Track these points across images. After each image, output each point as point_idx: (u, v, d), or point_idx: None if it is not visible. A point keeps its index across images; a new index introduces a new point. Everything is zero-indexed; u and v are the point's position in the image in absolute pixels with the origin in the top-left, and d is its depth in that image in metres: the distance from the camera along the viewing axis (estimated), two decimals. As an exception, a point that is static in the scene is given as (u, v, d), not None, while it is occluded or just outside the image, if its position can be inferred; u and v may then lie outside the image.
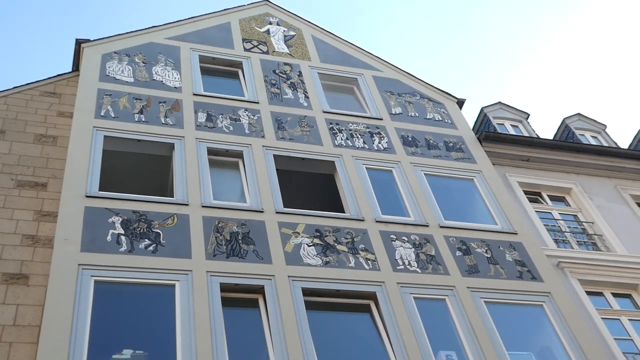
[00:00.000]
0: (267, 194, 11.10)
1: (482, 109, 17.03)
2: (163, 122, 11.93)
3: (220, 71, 14.17)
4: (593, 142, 17.14)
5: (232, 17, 15.60)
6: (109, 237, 9.45)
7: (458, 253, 11.24)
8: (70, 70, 13.35)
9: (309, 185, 12.74)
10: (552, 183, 14.30)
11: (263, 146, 12.11)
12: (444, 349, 9.70)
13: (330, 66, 15.14)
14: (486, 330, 10.02)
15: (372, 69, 15.53)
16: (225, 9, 15.68)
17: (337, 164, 12.37)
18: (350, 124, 13.45)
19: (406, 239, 11.16)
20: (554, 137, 17.47)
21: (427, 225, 11.57)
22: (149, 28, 14.26)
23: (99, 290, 8.81)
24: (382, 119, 13.92)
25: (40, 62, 42.50)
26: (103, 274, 8.99)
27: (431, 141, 13.77)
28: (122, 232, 9.60)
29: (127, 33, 13.90)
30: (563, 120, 17.77)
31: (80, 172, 10.37)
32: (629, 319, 11.65)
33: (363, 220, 11.24)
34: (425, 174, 12.84)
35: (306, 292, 9.73)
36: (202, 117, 12.30)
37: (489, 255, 11.39)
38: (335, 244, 10.63)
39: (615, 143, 17.09)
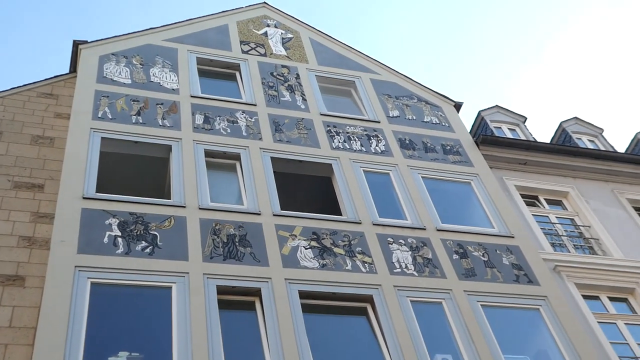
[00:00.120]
0: (264, 197, 11.09)
1: (479, 113, 17.04)
2: (160, 124, 11.92)
3: (218, 73, 14.16)
4: (590, 146, 17.17)
5: (229, 19, 15.60)
6: (105, 239, 9.43)
7: (455, 256, 11.24)
8: (67, 71, 13.33)
9: (306, 187, 12.75)
10: (549, 187, 14.33)
11: (260, 148, 12.11)
12: (441, 353, 9.70)
13: (327, 69, 15.14)
14: (483, 333, 10.03)
15: (370, 72, 15.54)
16: (223, 11, 15.68)
17: (335, 166, 12.37)
18: (348, 127, 13.45)
19: (403, 242, 11.16)
20: (551, 141, 17.50)
21: (424, 229, 11.58)
22: (147, 30, 14.25)
23: (95, 292, 8.79)
24: (379, 122, 13.93)
25: (37, 63, 42.48)
26: (99, 276, 8.97)
27: (428, 144, 13.79)
28: (119, 234, 9.58)
29: (124, 35, 13.89)
30: (560, 124, 17.80)
31: (77, 173, 10.35)
32: (625, 323, 11.66)
33: (360, 223, 11.23)
34: (422, 177, 12.84)
35: (303, 295, 9.72)
36: (199, 119, 12.29)
37: (485, 259, 11.40)
38: (332, 247, 10.63)
39: (612, 147, 17.13)
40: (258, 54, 14.81)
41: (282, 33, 15.82)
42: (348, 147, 12.92)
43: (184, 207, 10.37)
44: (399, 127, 13.99)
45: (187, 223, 10.11)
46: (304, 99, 13.83)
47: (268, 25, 15.92)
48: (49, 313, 8.27)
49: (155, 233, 9.79)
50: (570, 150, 15.19)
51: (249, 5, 16.30)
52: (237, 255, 9.90)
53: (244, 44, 14.96)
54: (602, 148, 17.02)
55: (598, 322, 11.33)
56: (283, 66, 14.66)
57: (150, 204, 10.30)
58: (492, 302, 10.69)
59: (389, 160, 12.97)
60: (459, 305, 10.36)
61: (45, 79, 12.84)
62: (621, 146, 21.13)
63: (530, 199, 13.99)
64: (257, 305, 9.48)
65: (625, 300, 12.24)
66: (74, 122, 11.34)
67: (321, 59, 15.39)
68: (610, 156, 15.42)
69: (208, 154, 11.67)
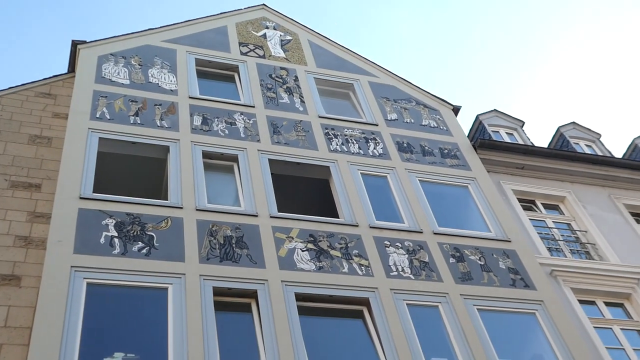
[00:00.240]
0: (261, 198, 11.09)
1: (477, 116, 17.05)
2: (158, 124, 11.91)
3: (217, 74, 14.16)
4: (587, 151, 17.19)
5: (228, 20, 15.60)
6: (102, 239, 9.42)
7: (451, 260, 11.24)
8: (66, 71, 13.31)
9: (304, 190, 12.74)
10: (546, 191, 14.33)
11: (258, 150, 12.11)
12: (436, 356, 9.70)
13: (326, 71, 15.15)
14: (479, 337, 10.03)
15: (368, 75, 15.55)
16: (222, 13, 15.69)
17: (332, 169, 12.37)
18: (346, 129, 13.45)
19: (400, 245, 11.16)
20: (548, 146, 17.51)
21: (421, 232, 11.58)
22: (146, 30, 14.24)
23: (91, 293, 8.78)
24: (377, 125, 13.93)
25: (35, 63, 42.45)
26: (96, 276, 8.96)
27: (426, 148, 13.79)
28: (116, 234, 9.57)
29: (123, 35, 13.88)
30: (558, 129, 17.82)
31: (74, 173, 10.34)
32: (621, 328, 11.67)
33: (357, 226, 11.23)
34: (419, 180, 12.85)
35: (299, 297, 9.71)
36: (197, 120, 12.29)
37: (482, 263, 11.40)
38: (329, 249, 10.62)
39: (610, 152, 17.15)
40: (257, 55, 14.82)
41: (281, 35, 15.82)
42: (346, 149, 12.92)
43: (181, 208, 10.36)
44: (397, 130, 14.00)
45: (184, 224, 10.10)
46: (303, 101, 13.83)
47: (267, 27, 15.93)
48: (44, 313, 8.26)
49: (152, 234, 9.78)
50: (568, 155, 15.21)
51: (248, 7, 16.30)
52: (234, 257, 9.89)
53: (243, 46, 14.97)
54: (600, 153, 17.04)
55: (594, 327, 11.33)
56: (282, 68, 14.67)
57: (147, 204, 10.28)
58: (489, 306, 10.69)
59: (387, 163, 12.97)
60: (455, 308, 10.36)
61: (44, 79, 12.83)
62: (618, 151, 21.11)
63: (527, 204, 14.00)
64: (253, 307, 9.47)
65: (621, 305, 12.25)
66: (71, 122, 11.33)
67: (320, 61, 15.40)
68: (608, 161, 15.44)
69: (206, 155, 11.67)
